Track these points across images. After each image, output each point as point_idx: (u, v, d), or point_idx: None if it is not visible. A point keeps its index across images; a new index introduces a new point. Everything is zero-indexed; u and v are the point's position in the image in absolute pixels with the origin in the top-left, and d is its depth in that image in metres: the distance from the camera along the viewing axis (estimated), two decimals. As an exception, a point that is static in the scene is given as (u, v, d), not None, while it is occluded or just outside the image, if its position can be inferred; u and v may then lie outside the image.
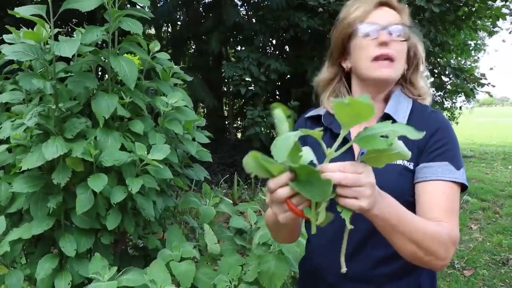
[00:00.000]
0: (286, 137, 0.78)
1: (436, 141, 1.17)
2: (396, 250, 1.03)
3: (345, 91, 1.35)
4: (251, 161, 0.82)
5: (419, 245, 0.98)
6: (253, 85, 7.55)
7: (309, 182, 0.82)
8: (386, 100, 1.28)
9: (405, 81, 1.31)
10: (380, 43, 1.19)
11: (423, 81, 1.33)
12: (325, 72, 1.38)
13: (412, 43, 1.27)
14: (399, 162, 1.17)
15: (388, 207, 0.92)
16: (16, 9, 1.69)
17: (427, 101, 1.32)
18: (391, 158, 0.81)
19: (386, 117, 1.22)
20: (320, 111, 1.37)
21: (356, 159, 1.23)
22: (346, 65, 1.31)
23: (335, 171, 0.82)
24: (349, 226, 0.84)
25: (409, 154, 0.80)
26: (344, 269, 0.89)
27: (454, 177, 1.14)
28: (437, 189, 1.12)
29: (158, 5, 8.66)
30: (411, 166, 1.18)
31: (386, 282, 1.21)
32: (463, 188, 1.17)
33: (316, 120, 1.37)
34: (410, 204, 1.13)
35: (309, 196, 0.82)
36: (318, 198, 0.82)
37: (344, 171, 0.82)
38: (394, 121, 1.20)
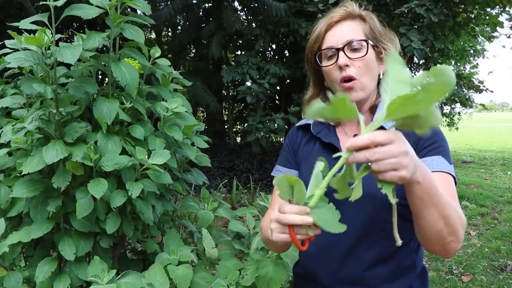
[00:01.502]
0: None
1: (426, 139, 1.20)
2: (422, 229, 1.00)
3: None
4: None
5: (447, 221, 0.96)
6: (254, 93, 7.56)
7: (323, 212, 0.86)
8: (372, 109, 1.31)
9: None
10: (339, 68, 1.23)
11: None
12: (310, 91, 1.44)
13: (381, 46, 1.30)
14: None
15: (426, 172, 0.90)
16: (21, 22, 1.72)
17: None
18: (425, 124, 0.75)
19: None
20: (309, 120, 1.41)
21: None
22: (326, 84, 1.37)
23: (367, 144, 0.78)
24: (393, 201, 0.80)
25: (440, 118, 0.75)
26: (399, 242, 0.85)
27: (448, 169, 1.16)
28: (438, 178, 1.12)
29: (159, 9, 8.69)
30: None
31: (379, 284, 1.23)
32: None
33: (305, 130, 1.41)
34: (404, 206, 1.15)
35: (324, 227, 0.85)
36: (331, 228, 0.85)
37: (375, 142, 0.78)
38: (383, 128, 1.23)
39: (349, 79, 1.23)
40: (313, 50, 1.33)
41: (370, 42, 1.26)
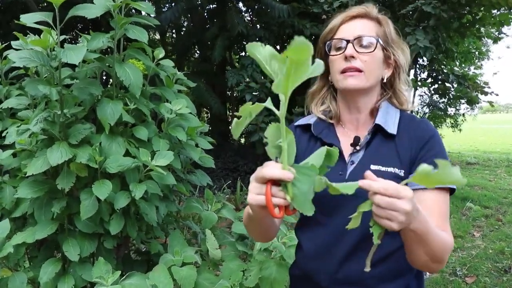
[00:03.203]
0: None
1: (428, 150, 1.22)
2: (409, 256, 1.09)
3: (332, 98, 1.40)
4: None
5: (433, 255, 1.04)
6: (257, 91, 7.55)
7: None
8: (372, 112, 1.32)
9: (390, 87, 1.35)
10: (345, 57, 1.25)
11: (404, 87, 1.37)
12: (315, 85, 1.44)
13: (391, 51, 1.30)
14: (390, 169, 1.21)
15: (421, 224, 0.96)
16: (23, 16, 1.72)
17: (407, 107, 1.36)
18: (441, 183, 0.82)
19: (377, 127, 1.26)
20: (310, 120, 1.41)
21: (346, 164, 1.27)
22: (330, 78, 1.36)
23: (378, 190, 0.86)
24: (376, 242, 0.88)
25: (464, 181, 0.81)
26: (368, 269, 0.95)
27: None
28: (432, 196, 1.17)
29: (163, 10, 8.70)
30: (402, 173, 1.21)
31: (377, 285, 1.24)
32: (451, 192, 1.22)
33: (305, 129, 1.40)
34: None
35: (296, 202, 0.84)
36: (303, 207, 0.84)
37: (385, 193, 0.86)
38: (385, 131, 1.26)
39: (355, 70, 1.24)
40: (325, 40, 1.33)
41: (381, 42, 1.27)
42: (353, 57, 1.24)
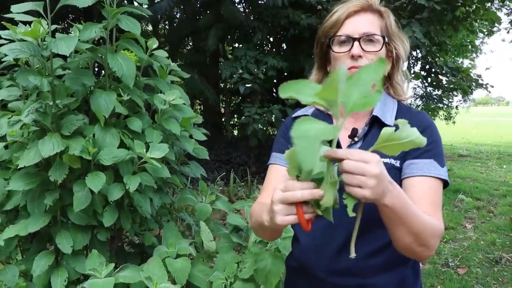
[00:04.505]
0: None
1: None
2: (392, 240, 1.07)
3: None
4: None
5: (417, 237, 1.02)
6: (251, 83, 7.53)
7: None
8: None
9: (388, 79, 1.35)
10: (351, 57, 1.23)
11: (402, 79, 1.37)
12: (314, 75, 1.42)
13: (393, 45, 1.30)
14: (387, 160, 1.20)
15: (398, 198, 0.94)
16: (13, 7, 1.69)
17: (404, 98, 1.36)
18: (404, 146, 0.83)
19: (374, 119, 1.26)
20: (308, 110, 1.41)
21: None
22: (329, 68, 1.36)
23: (343, 156, 0.84)
24: (350, 214, 0.85)
25: (424, 140, 0.81)
26: (353, 255, 0.92)
27: (438, 174, 1.18)
28: (424, 184, 1.17)
29: (156, 1, 8.62)
30: (398, 164, 1.22)
31: (373, 275, 1.24)
32: (444, 185, 1.22)
33: None
34: None
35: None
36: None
37: (350, 157, 0.83)
38: (382, 123, 1.26)
39: None
40: (328, 34, 1.30)
41: (386, 39, 1.26)
42: (360, 56, 1.23)
